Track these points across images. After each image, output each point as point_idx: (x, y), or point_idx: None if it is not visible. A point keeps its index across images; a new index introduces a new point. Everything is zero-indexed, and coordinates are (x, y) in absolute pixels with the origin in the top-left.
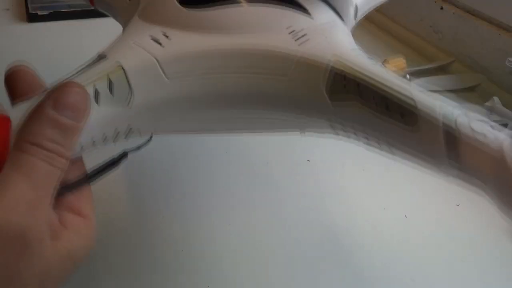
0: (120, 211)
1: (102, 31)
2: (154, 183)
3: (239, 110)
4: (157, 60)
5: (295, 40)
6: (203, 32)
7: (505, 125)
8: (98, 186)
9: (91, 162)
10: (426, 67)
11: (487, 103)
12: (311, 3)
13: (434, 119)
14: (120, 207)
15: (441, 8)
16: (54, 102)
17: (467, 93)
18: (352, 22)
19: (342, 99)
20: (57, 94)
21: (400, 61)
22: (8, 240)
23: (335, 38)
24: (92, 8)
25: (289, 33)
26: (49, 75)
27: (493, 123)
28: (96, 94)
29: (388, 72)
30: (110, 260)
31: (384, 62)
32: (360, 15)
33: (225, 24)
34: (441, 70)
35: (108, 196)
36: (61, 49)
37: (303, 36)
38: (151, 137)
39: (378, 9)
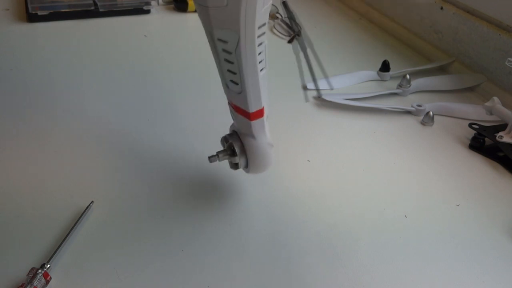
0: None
1: (102, 31)
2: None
3: None
4: None
5: None
6: None
7: (505, 125)
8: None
9: None
10: (426, 67)
11: (487, 103)
12: None
13: None
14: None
15: (441, 8)
16: None
17: (467, 93)
18: None
19: None
20: None
21: None
22: None
23: None
24: (92, 8)
25: None
26: (48, 75)
27: None
28: None
29: None
30: (113, 264)
31: None
32: None
33: None
34: (441, 70)
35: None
36: (61, 49)
37: None
38: None
39: (378, 9)
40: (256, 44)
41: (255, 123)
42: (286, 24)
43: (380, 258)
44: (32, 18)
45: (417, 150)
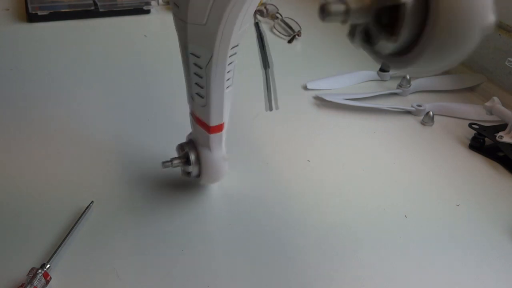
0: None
1: (102, 31)
2: None
3: None
4: None
5: None
6: None
7: (505, 125)
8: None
9: None
10: None
11: (487, 103)
12: None
13: None
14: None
15: None
16: None
17: (467, 93)
18: None
19: None
20: None
21: None
22: None
23: None
24: (92, 8)
25: None
26: (48, 75)
27: None
28: None
29: None
30: (113, 264)
31: None
32: None
33: None
34: None
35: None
36: (61, 49)
37: None
38: None
39: None
40: (227, 63)
41: (213, 136)
42: (286, 24)
43: (380, 258)
44: (32, 18)
45: (417, 150)
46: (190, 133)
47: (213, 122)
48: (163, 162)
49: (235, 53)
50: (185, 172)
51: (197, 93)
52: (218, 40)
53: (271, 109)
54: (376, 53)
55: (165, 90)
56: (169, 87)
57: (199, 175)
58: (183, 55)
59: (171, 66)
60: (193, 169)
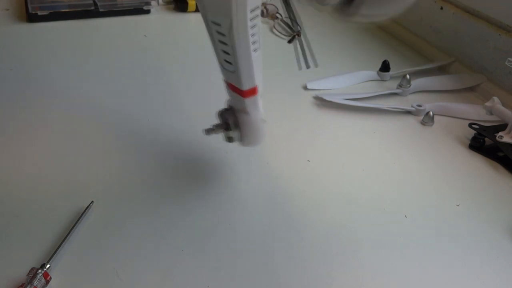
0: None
1: (102, 31)
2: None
3: None
4: None
5: None
6: None
7: (505, 125)
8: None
9: None
10: (426, 67)
11: (487, 103)
12: None
13: None
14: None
15: (441, 8)
16: None
17: (467, 93)
18: None
19: None
20: None
21: None
22: None
23: None
24: (92, 8)
25: None
26: (48, 75)
27: None
28: None
29: None
30: (113, 264)
31: None
32: None
33: None
34: (441, 70)
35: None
36: (61, 49)
37: None
38: None
39: None
40: (249, 27)
41: (248, 100)
42: (286, 24)
43: (380, 258)
44: (32, 18)
45: (417, 150)
46: (229, 99)
47: (246, 86)
48: (207, 130)
49: (256, 16)
50: (228, 137)
51: (225, 60)
52: (234, 6)
53: (316, 66)
54: (320, 8)
55: (165, 90)
56: (169, 87)
57: (241, 138)
58: (206, 25)
59: (171, 66)
60: (233, 133)
